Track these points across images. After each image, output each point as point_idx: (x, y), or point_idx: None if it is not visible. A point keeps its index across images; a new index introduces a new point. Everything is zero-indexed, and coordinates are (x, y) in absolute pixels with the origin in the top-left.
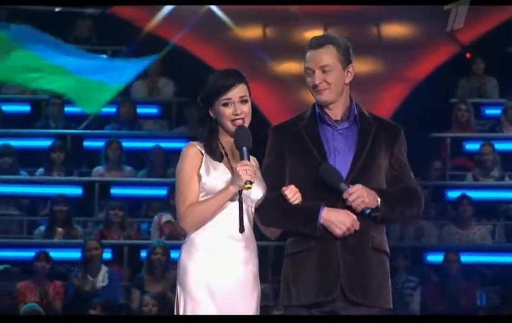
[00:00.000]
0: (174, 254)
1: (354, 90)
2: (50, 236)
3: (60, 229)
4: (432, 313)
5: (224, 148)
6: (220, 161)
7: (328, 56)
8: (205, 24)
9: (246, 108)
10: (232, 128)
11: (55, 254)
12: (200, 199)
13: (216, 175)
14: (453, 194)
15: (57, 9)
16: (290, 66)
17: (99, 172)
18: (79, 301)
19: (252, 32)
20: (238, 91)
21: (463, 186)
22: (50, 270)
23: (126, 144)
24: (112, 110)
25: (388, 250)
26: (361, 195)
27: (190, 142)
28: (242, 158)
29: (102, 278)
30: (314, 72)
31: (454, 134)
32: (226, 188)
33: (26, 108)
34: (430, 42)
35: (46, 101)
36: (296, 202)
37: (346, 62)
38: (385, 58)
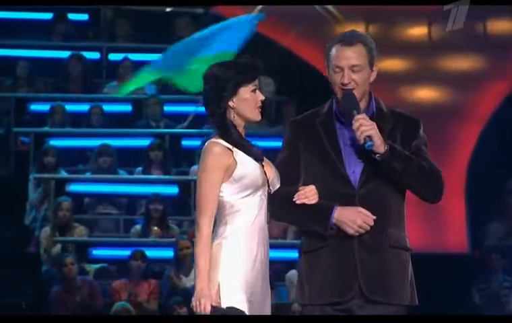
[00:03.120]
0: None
1: (454, 86)
2: (145, 235)
3: (155, 228)
4: None
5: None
6: (250, 150)
7: (358, 56)
8: (307, 22)
9: None
10: (258, 115)
11: (150, 253)
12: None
13: (253, 166)
14: None
15: (168, 9)
16: (391, 64)
17: (196, 171)
18: (172, 300)
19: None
20: None
21: None
22: (146, 268)
23: None
24: None
25: (408, 245)
26: (367, 124)
27: (212, 139)
28: None
29: (194, 277)
30: (343, 70)
31: None
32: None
33: (128, 108)
34: None
35: (145, 100)
36: (312, 201)
37: (372, 61)
38: (489, 55)
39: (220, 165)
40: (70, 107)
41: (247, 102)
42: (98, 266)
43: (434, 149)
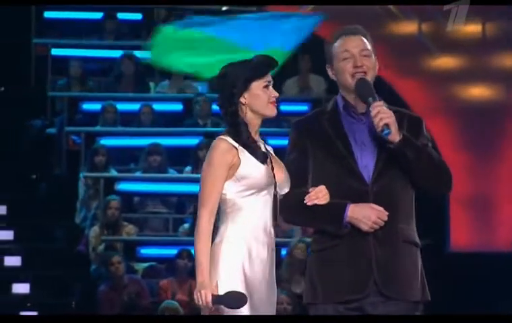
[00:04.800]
0: None
1: (507, 84)
2: (193, 234)
3: None
4: None
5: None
6: (255, 151)
7: (366, 43)
8: (359, 21)
9: None
10: (272, 110)
11: None
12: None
13: (257, 166)
14: None
15: (224, 8)
16: (445, 61)
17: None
18: None
19: (408, 28)
20: None
21: None
22: (192, 268)
23: (271, 142)
24: None
25: (418, 241)
26: (386, 111)
27: (220, 136)
28: None
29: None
30: (354, 56)
31: None
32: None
33: (178, 107)
34: None
35: (195, 99)
36: (323, 202)
37: (375, 54)
38: None
39: (225, 161)
40: (121, 106)
41: (259, 98)
42: (146, 264)
43: (486, 146)
